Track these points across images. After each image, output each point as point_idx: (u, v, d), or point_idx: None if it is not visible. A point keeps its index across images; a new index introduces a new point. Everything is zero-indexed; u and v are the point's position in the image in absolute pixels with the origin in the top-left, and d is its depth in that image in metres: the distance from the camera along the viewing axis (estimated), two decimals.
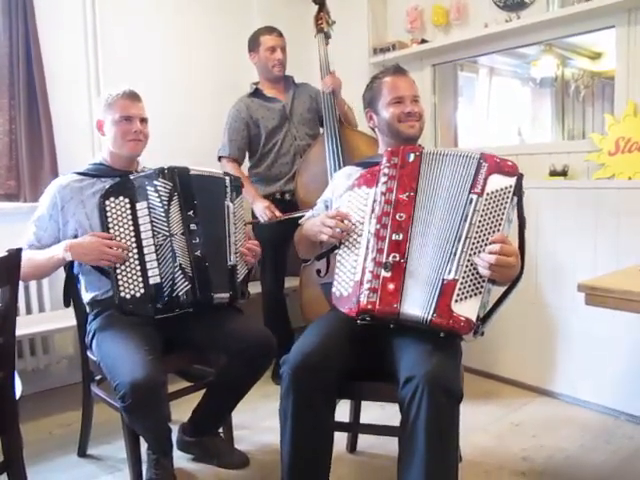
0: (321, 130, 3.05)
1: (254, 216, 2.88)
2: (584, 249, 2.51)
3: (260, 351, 1.92)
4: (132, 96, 2.04)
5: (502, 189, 1.55)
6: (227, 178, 2.10)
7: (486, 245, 1.52)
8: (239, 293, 2.06)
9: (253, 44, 2.98)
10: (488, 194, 1.55)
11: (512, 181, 1.55)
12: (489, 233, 1.53)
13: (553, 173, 2.74)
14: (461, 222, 1.55)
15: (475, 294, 1.52)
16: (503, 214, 1.53)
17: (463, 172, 1.60)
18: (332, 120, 2.86)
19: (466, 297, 1.51)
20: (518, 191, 1.56)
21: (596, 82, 3.91)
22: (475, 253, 1.52)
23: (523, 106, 4.33)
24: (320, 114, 3.01)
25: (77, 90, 2.97)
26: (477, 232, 1.53)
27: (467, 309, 1.51)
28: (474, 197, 1.55)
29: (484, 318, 1.54)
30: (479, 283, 1.52)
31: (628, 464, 2.11)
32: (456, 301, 1.51)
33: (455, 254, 1.53)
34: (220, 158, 2.97)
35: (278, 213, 2.79)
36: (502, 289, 1.60)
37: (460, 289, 1.52)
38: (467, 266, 1.52)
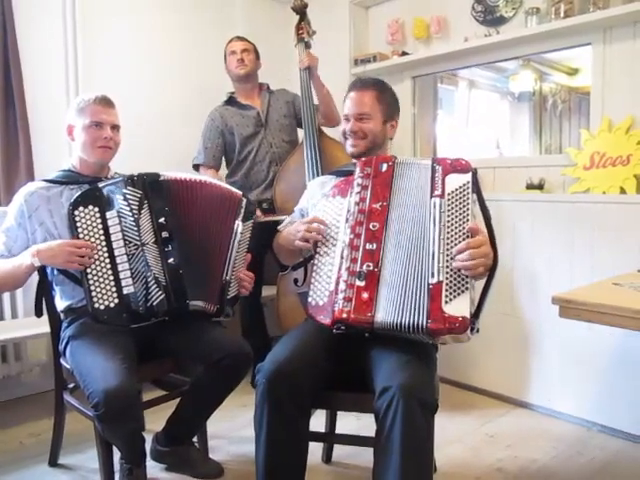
0: (300, 133, 3.06)
1: None
2: (560, 261, 2.55)
3: (236, 362, 1.91)
4: (104, 102, 2.01)
5: (461, 186, 1.60)
6: (244, 199, 2.07)
7: (461, 241, 1.54)
8: (225, 310, 2.02)
9: (224, 57, 3.08)
10: (449, 194, 1.60)
11: (468, 177, 1.61)
12: (460, 230, 1.56)
13: (530, 186, 2.78)
14: (430, 225, 1.58)
15: (463, 291, 1.53)
16: (468, 209, 1.58)
17: (423, 179, 1.65)
18: (311, 129, 2.87)
19: (455, 296, 1.52)
20: (476, 186, 1.61)
21: (573, 97, 3.98)
22: (452, 252, 1.54)
23: (501, 119, 4.39)
24: (298, 118, 3.04)
25: (55, 95, 2.94)
26: (449, 232, 1.57)
27: (459, 307, 1.51)
28: (437, 200, 1.60)
29: (476, 313, 1.55)
30: (464, 280, 1.53)
31: (600, 475, 2.13)
32: (446, 302, 1.51)
33: (433, 257, 1.55)
34: (197, 167, 2.98)
35: (259, 213, 2.79)
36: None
37: (447, 290, 1.52)
38: (448, 266, 1.54)
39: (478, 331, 1.57)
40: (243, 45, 3.02)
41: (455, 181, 1.61)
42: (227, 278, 2.00)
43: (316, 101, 2.97)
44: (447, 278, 1.54)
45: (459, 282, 1.54)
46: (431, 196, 1.61)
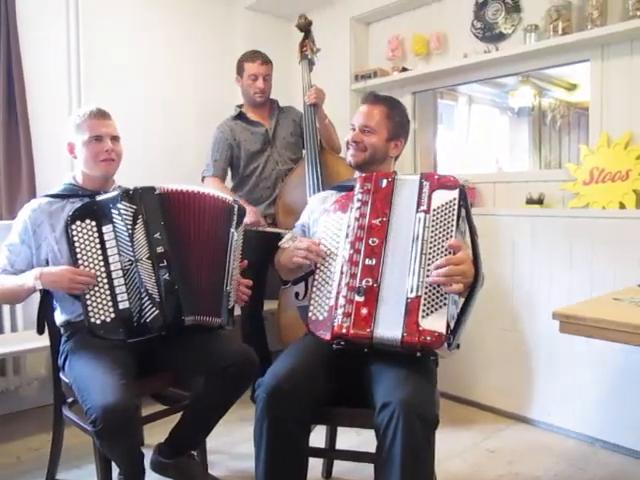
0: (303, 152, 3.06)
1: None
2: (559, 276, 2.55)
3: (242, 370, 1.90)
4: (100, 115, 2.00)
5: (447, 203, 1.61)
6: (236, 206, 2.06)
7: (442, 257, 1.55)
8: (227, 321, 2.02)
9: (238, 69, 3.01)
10: (434, 210, 1.61)
11: (455, 194, 1.62)
12: (442, 246, 1.57)
13: (529, 201, 2.79)
14: (415, 240, 1.60)
15: (440, 307, 1.54)
16: (452, 226, 1.59)
17: (412, 194, 1.66)
18: (313, 144, 2.88)
19: (432, 311, 1.54)
20: (464, 202, 1.62)
21: (572, 112, 4.00)
22: (432, 267, 1.55)
23: (501, 134, 4.41)
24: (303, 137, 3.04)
25: (59, 109, 2.96)
26: (431, 247, 1.58)
27: (435, 323, 1.53)
28: (422, 215, 1.62)
29: (454, 330, 1.56)
30: (442, 296, 1.55)
31: None
32: (423, 317, 1.53)
33: (414, 272, 1.57)
34: (203, 178, 2.98)
35: (263, 222, 2.80)
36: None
37: (425, 304, 1.54)
38: (427, 282, 1.55)
39: (458, 347, 1.58)
40: (266, 70, 2.94)
41: (442, 197, 1.62)
42: (228, 289, 2.00)
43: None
44: (426, 293, 1.55)
45: (437, 298, 1.55)
46: (417, 211, 1.63)
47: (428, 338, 1.51)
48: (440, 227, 1.59)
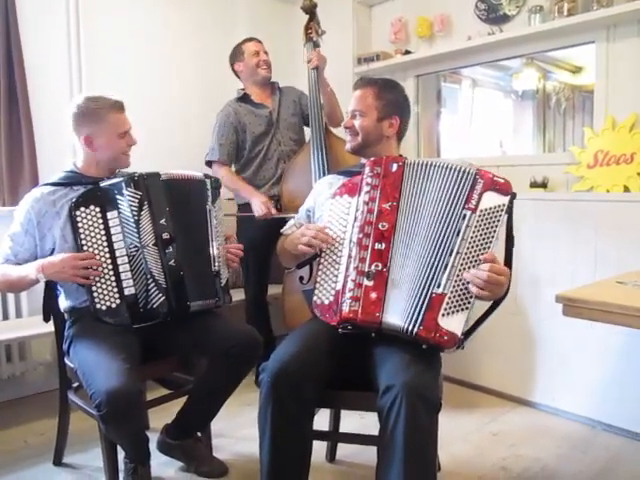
0: (307, 130, 3.05)
1: (245, 211, 2.90)
2: (563, 260, 2.54)
3: (246, 349, 1.91)
4: (122, 107, 2.00)
5: (495, 207, 1.56)
6: (208, 180, 2.06)
7: (476, 261, 1.53)
8: (223, 298, 2.04)
9: (237, 54, 3.03)
10: (482, 211, 1.55)
11: (505, 200, 1.57)
12: (480, 250, 1.54)
13: (533, 185, 2.78)
14: (453, 236, 1.55)
15: (462, 309, 1.53)
16: (495, 232, 1.54)
17: (456, 186, 1.60)
18: (318, 127, 2.87)
19: (453, 312, 1.53)
20: (510, 211, 1.58)
21: (576, 95, 3.96)
22: (465, 269, 1.53)
23: (505, 118, 4.38)
24: (304, 116, 3.06)
25: (59, 96, 2.94)
26: (468, 248, 1.54)
27: (453, 324, 1.52)
28: (467, 213, 1.56)
29: (467, 333, 1.56)
30: (467, 299, 1.53)
31: (604, 474, 2.13)
32: (443, 315, 1.52)
33: (446, 268, 1.54)
34: (210, 163, 2.97)
35: (274, 211, 2.80)
36: (485, 303, 1.61)
37: (448, 304, 1.53)
38: (456, 281, 1.53)
39: (463, 348, 1.58)
40: (264, 47, 3.01)
41: (492, 200, 1.56)
42: (216, 268, 2.00)
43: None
44: (452, 292, 1.53)
45: (462, 299, 1.53)
46: (463, 207, 1.57)
47: (442, 337, 1.51)
48: (482, 230, 1.54)
